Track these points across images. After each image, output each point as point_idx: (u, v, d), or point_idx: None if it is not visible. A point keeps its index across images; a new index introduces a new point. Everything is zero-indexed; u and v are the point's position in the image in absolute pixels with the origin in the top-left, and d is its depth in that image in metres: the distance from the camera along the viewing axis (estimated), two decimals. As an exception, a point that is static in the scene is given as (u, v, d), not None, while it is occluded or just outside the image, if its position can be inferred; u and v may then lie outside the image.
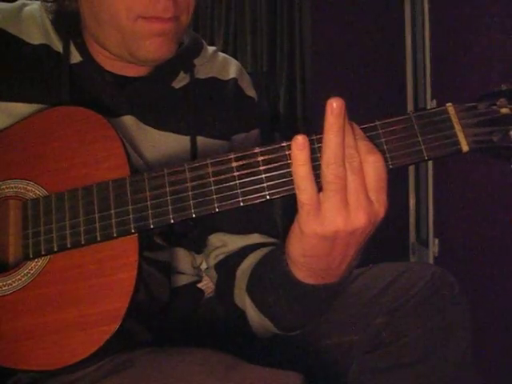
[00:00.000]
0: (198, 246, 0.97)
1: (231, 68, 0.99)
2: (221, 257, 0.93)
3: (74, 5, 0.86)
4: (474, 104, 0.65)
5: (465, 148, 0.64)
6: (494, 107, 0.64)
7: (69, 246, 0.71)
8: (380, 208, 0.64)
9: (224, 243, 0.93)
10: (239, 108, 0.97)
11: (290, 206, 0.66)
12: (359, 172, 0.62)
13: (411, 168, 3.34)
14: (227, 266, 0.92)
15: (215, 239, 0.94)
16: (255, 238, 0.92)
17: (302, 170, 0.62)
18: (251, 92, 1.00)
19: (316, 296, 0.74)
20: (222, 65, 0.99)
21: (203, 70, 0.96)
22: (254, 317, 0.84)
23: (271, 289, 0.78)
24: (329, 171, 0.61)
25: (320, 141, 0.65)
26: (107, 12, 0.79)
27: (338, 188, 0.61)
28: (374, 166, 0.62)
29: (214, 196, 0.67)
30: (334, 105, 0.62)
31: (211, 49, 0.99)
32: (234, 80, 0.98)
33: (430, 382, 0.87)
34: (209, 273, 0.97)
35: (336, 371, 0.89)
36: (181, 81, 0.93)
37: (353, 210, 0.62)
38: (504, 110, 0.64)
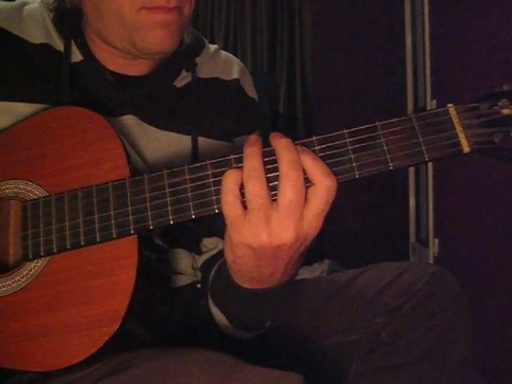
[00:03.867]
0: (197, 247, 0.97)
1: (234, 68, 0.99)
2: (206, 259, 0.94)
3: (75, 1, 0.86)
4: (475, 105, 0.65)
5: (466, 149, 0.64)
6: (496, 108, 0.64)
7: (68, 246, 0.71)
8: (312, 230, 0.64)
9: (216, 246, 0.93)
10: (241, 109, 0.97)
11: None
12: (299, 192, 0.63)
13: (411, 168, 3.34)
14: (207, 268, 0.93)
15: (209, 242, 0.94)
16: None
17: (228, 195, 0.64)
18: (253, 93, 1.00)
19: (257, 299, 0.75)
20: (224, 64, 0.98)
21: (205, 69, 0.95)
22: (215, 313, 0.85)
23: (222, 289, 0.80)
24: (247, 190, 0.63)
25: (320, 142, 0.65)
26: (110, 4, 0.79)
27: (257, 206, 0.63)
28: (327, 190, 0.63)
29: (214, 197, 0.67)
30: (252, 138, 0.66)
31: (213, 47, 0.99)
32: (237, 81, 0.98)
33: (430, 381, 0.87)
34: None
35: (336, 371, 0.90)
36: (183, 79, 0.92)
37: (280, 226, 0.63)
38: (506, 111, 0.63)
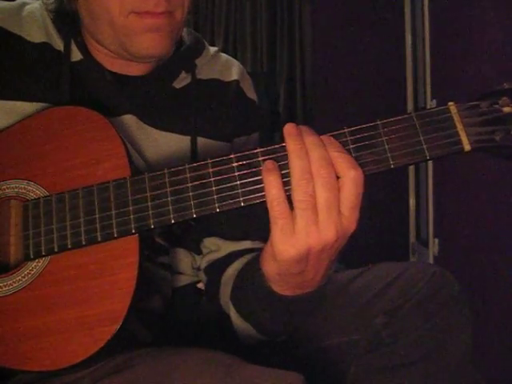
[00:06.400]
0: (197, 247, 0.97)
1: (233, 70, 0.99)
2: (211, 261, 0.94)
3: (72, 3, 0.86)
4: (475, 103, 0.65)
5: (467, 147, 0.64)
6: (497, 106, 0.64)
7: (69, 246, 0.71)
8: (350, 224, 0.64)
9: (218, 247, 0.93)
10: (240, 111, 0.97)
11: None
12: (333, 188, 0.62)
13: (411, 168, 3.34)
14: (214, 271, 0.92)
15: (210, 243, 0.94)
16: (245, 245, 0.92)
17: (274, 191, 0.63)
18: (252, 94, 1.00)
19: (295, 305, 0.75)
20: (224, 66, 0.99)
21: (205, 71, 0.96)
22: (238, 324, 0.85)
23: (253, 299, 0.79)
24: (299, 189, 0.62)
25: None
26: (101, 8, 0.80)
27: (308, 206, 0.62)
28: (354, 182, 0.63)
29: (215, 196, 0.67)
30: (290, 130, 0.64)
31: (213, 49, 0.99)
32: (236, 82, 0.98)
33: (429, 381, 0.87)
34: (201, 274, 0.98)
35: (336, 371, 0.90)
36: (182, 81, 0.93)
37: (323, 226, 0.63)
38: (506, 109, 0.64)
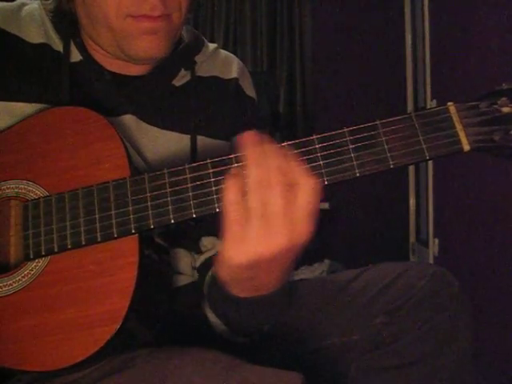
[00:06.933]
0: (197, 246, 0.97)
1: (233, 67, 0.99)
2: (203, 260, 0.94)
3: (70, 4, 0.86)
4: (475, 103, 0.65)
5: (466, 147, 0.64)
6: (496, 106, 0.64)
7: (69, 246, 0.71)
8: (303, 234, 0.64)
9: (213, 247, 0.93)
10: (239, 108, 0.97)
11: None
12: (287, 197, 0.62)
13: (411, 168, 3.34)
14: (204, 271, 0.93)
15: (208, 242, 0.94)
16: None
17: (231, 197, 0.63)
18: (251, 92, 1.00)
19: (255, 306, 0.75)
20: (223, 63, 0.99)
21: (204, 68, 0.96)
22: (214, 321, 0.85)
23: (219, 299, 0.79)
24: (254, 197, 0.62)
25: (321, 141, 0.66)
26: (98, 11, 0.80)
27: (260, 214, 0.62)
28: (310, 190, 0.63)
29: (215, 196, 0.67)
30: (249, 138, 0.64)
31: (212, 46, 0.99)
32: (236, 80, 0.98)
33: (429, 382, 0.87)
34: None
35: (336, 371, 0.89)
36: (182, 78, 0.93)
37: (275, 234, 0.63)
38: (505, 109, 0.64)
